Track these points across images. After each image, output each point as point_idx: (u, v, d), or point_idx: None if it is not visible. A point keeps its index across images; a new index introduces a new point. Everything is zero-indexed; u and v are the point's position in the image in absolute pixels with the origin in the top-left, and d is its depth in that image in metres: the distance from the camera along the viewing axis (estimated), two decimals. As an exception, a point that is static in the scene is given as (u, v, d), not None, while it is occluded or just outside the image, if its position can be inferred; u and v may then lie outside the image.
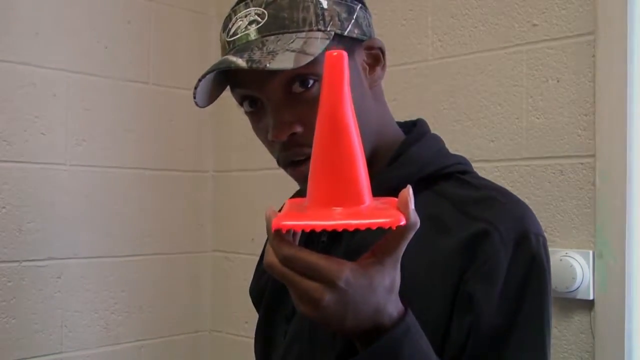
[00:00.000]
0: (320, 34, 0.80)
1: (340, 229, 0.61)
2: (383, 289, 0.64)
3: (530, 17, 1.45)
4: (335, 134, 0.63)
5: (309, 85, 0.80)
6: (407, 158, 0.86)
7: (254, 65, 0.76)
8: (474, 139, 1.52)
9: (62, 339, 1.75)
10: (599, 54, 1.34)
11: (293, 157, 0.83)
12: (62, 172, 1.77)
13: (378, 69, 0.87)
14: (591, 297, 1.34)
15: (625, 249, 1.30)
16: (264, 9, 0.81)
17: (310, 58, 0.77)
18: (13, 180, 1.67)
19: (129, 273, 1.91)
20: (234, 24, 0.84)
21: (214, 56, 2.10)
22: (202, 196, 2.11)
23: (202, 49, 2.09)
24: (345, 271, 0.62)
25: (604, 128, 1.33)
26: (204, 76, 0.80)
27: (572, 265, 1.34)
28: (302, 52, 0.77)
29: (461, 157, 0.91)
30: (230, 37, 0.84)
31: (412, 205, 0.62)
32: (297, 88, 0.81)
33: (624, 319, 1.29)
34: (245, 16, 0.82)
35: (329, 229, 0.61)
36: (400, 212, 0.61)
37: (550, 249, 0.83)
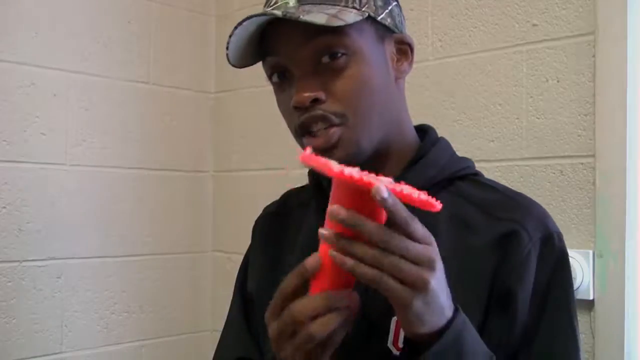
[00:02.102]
0: (354, 11, 0.83)
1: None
2: (445, 288, 0.69)
3: (530, 17, 1.45)
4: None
5: (338, 56, 0.83)
6: (428, 161, 0.90)
7: (288, 15, 0.79)
8: (474, 139, 1.52)
9: (62, 339, 1.75)
10: (599, 54, 1.34)
11: (311, 124, 0.84)
12: (62, 172, 1.76)
13: (405, 63, 0.91)
14: (591, 297, 1.33)
15: (625, 249, 1.29)
16: None
17: (342, 23, 0.80)
18: (13, 180, 1.67)
19: (129, 273, 1.91)
20: None
21: (214, 56, 2.10)
22: (202, 196, 2.11)
23: (202, 49, 2.09)
24: (436, 250, 0.66)
25: (604, 128, 1.33)
26: (239, 25, 0.82)
27: (572, 265, 1.33)
28: (335, 16, 0.81)
29: (469, 159, 0.96)
30: (269, 6, 0.86)
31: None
32: (325, 59, 0.83)
33: (624, 319, 1.29)
34: None
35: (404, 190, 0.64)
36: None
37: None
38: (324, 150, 0.82)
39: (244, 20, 0.81)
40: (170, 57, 2.02)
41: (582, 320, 1.35)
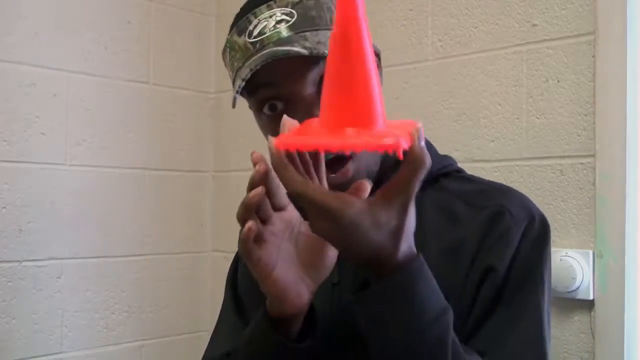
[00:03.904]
0: None
1: (335, 150, 0.61)
2: (389, 231, 0.64)
3: (530, 17, 1.45)
4: (349, 51, 0.60)
5: None
6: None
7: (314, 52, 0.79)
8: (474, 139, 1.52)
9: (62, 339, 1.75)
10: (599, 54, 1.34)
11: (333, 163, 0.82)
12: (62, 172, 1.76)
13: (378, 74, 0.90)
14: (591, 297, 1.33)
15: (625, 249, 1.30)
16: (291, 9, 0.83)
17: None
18: (13, 180, 1.67)
19: (129, 273, 1.91)
20: (256, 25, 0.84)
21: (214, 56, 2.10)
22: (202, 196, 2.11)
23: (202, 49, 2.09)
24: (349, 209, 0.62)
25: (604, 128, 1.33)
26: (251, 71, 0.80)
27: (572, 265, 1.34)
28: None
29: (450, 157, 0.97)
30: (254, 38, 0.84)
31: (420, 142, 0.61)
32: None
33: (624, 319, 1.29)
34: (270, 17, 0.83)
35: (330, 149, 0.62)
36: (409, 137, 0.61)
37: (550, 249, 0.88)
38: (343, 185, 0.79)
39: (254, 69, 0.80)
40: (170, 57, 2.02)
41: (582, 320, 1.35)
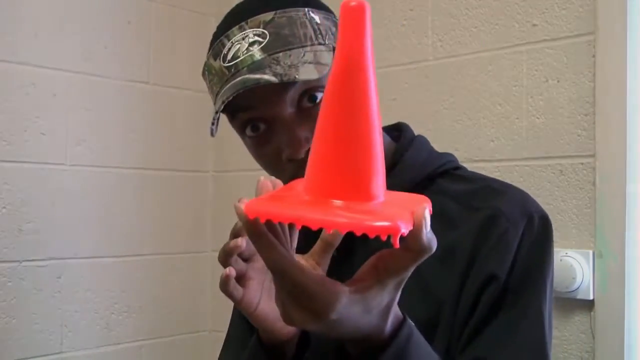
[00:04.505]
0: (322, 47, 0.81)
1: (315, 228, 0.48)
2: (379, 310, 0.58)
3: (530, 17, 1.45)
4: (351, 101, 0.49)
5: (317, 100, 0.81)
6: (404, 165, 0.88)
7: (284, 79, 0.77)
8: (474, 139, 1.52)
9: (62, 339, 1.75)
10: (599, 54, 1.34)
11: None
12: (62, 172, 1.76)
13: None
14: (591, 297, 1.33)
15: (625, 249, 1.30)
16: (263, 29, 0.81)
17: (327, 68, 0.77)
18: (13, 180, 1.67)
19: (129, 273, 1.91)
20: (230, 48, 0.83)
21: (214, 56, 2.10)
22: (202, 196, 2.11)
23: (202, 49, 2.08)
24: (338, 302, 0.54)
25: (604, 128, 1.33)
26: (223, 103, 0.80)
27: (572, 265, 1.34)
28: (318, 63, 0.78)
29: (449, 154, 0.94)
30: (228, 62, 0.83)
31: (426, 228, 0.54)
32: (306, 103, 0.81)
33: (624, 319, 1.29)
34: (243, 39, 0.82)
35: (310, 225, 0.48)
36: (410, 219, 0.51)
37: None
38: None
39: (228, 98, 0.79)
40: (170, 57, 2.02)
41: (582, 320, 1.35)
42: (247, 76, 0.79)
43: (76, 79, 1.80)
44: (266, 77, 0.77)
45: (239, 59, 0.81)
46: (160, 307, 1.98)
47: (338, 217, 0.48)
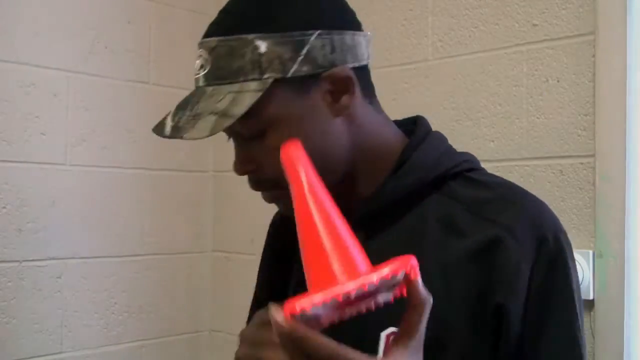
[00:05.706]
0: (254, 85, 0.77)
1: (353, 293, 0.57)
2: None
3: (530, 17, 1.45)
4: (307, 229, 0.63)
5: (249, 136, 0.81)
6: (412, 164, 0.83)
7: (171, 135, 0.80)
8: (474, 139, 1.52)
9: (62, 339, 1.75)
10: (599, 54, 1.34)
11: (256, 188, 0.86)
12: (62, 172, 1.76)
13: (345, 97, 0.81)
14: (591, 297, 1.33)
15: (625, 249, 1.30)
16: (209, 54, 0.80)
17: (230, 121, 0.76)
18: (13, 180, 1.67)
19: (129, 273, 1.91)
20: (197, 59, 0.83)
21: (214, 56, 2.10)
22: (202, 196, 2.11)
23: (202, 49, 2.09)
24: None
25: (604, 128, 1.33)
26: (156, 130, 0.84)
27: (572, 265, 1.34)
28: (224, 114, 0.77)
29: (468, 154, 0.88)
30: (195, 74, 0.84)
31: (419, 283, 0.61)
32: (244, 136, 0.82)
33: (624, 319, 1.29)
34: (200, 56, 0.82)
35: (352, 292, 0.57)
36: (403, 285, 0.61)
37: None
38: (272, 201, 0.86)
39: (157, 129, 0.84)
40: (170, 57, 2.02)
41: (582, 320, 1.35)
42: (167, 118, 0.84)
43: (76, 79, 1.80)
44: (167, 128, 0.81)
45: (195, 77, 0.83)
46: (160, 307, 1.98)
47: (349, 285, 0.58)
